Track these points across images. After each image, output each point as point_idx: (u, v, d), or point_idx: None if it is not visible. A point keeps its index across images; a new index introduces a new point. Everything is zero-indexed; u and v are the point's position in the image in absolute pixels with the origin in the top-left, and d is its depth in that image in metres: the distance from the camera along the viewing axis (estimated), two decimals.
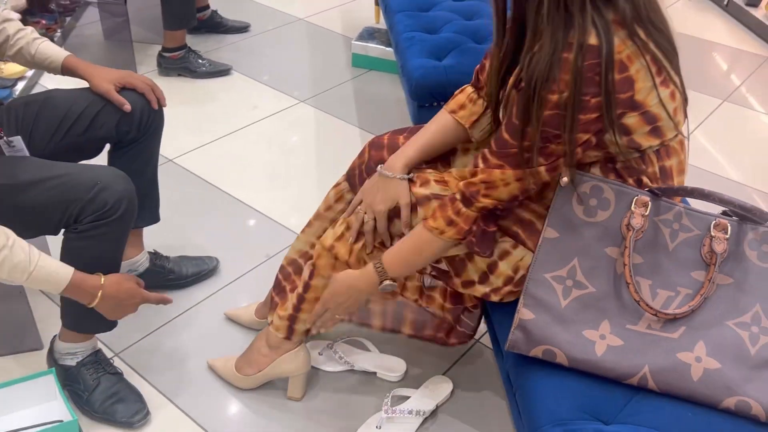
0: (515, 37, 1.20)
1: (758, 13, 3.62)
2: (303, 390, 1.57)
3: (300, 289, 1.45)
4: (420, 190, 1.29)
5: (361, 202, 1.36)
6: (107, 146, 1.64)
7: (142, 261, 1.78)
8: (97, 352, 1.55)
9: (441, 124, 1.38)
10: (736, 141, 2.72)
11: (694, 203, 1.19)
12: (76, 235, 1.37)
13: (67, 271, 1.30)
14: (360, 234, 1.35)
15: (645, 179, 1.15)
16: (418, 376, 1.64)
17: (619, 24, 1.02)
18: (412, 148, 1.36)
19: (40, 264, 1.25)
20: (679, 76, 1.10)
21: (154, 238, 1.84)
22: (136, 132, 1.59)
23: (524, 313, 1.14)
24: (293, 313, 1.46)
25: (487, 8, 2.42)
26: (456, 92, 1.41)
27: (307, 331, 1.49)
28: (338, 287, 1.35)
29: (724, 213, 1.16)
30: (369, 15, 3.47)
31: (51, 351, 1.56)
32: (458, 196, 1.18)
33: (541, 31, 1.03)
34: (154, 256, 1.83)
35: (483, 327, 1.64)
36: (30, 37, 1.54)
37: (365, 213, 1.34)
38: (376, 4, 3.21)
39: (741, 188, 2.40)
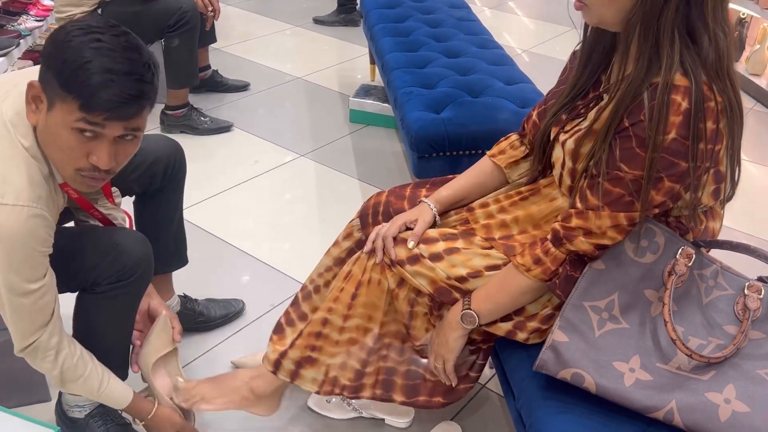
0: (587, 76, 1.23)
1: (739, 67, 3.77)
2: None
3: (301, 325, 1.46)
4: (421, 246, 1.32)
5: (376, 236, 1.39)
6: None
7: (173, 305, 1.80)
8: None
9: (479, 168, 1.45)
10: None
11: (729, 262, 1.21)
12: (92, 297, 1.38)
13: (128, 394, 1.43)
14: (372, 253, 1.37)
15: (689, 237, 1.18)
16: (426, 421, 1.65)
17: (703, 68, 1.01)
18: (446, 189, 1.42)
19: (111, 385, 1.38)
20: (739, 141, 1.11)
21: None
22: (160, 182, 1.62)
23: (558, 334, 1.16)
24: (286, 349, 1.44)
25: (480, 64, 2.52)
26: (501, 139, 1.47)
27: (293, 373, 1.44)
28: (434, 333, 1.36)
29: (759, 278, 1.19)
30: (364, 73, 3.59)
31: (59, 402, 1.55)
32: (549, 236, 1.19)
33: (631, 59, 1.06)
34: (185, 299, 1.86)
35: (487, 372, 1.65)
36: None
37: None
38: (372, 63, 3.33)
39: (731, 232, 2.46)
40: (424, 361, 1.41)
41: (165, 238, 1.72)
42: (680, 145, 1.03)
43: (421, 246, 1.32)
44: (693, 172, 1.05)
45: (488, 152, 1.47)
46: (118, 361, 1.50)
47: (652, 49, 1.04)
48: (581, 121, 1.20)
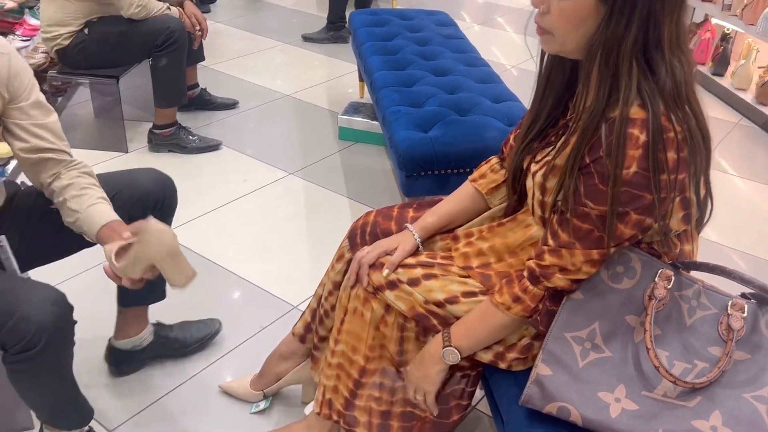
0: (551, 104, 1.23)
1: (725, 81, 3.80)
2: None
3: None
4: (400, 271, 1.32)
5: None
6: None
7: (146, 336, 1.77)
8: None
9: (461, 193, 1.45)
10: None
11: (711, 281, 1.20)
12: (7, 366, 1.29)
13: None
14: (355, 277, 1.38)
15: (664, 260, 1.17)
16: None
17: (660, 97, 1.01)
18: (430, 215, 1.42)
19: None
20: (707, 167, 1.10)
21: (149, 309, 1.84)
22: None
23: (542, 368, 1.15)
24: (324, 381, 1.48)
25: (468, 83, 2.53)
26: (482, 163, 1.47)
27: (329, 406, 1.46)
28: (413, 367, 1.34)
29: (742, 295, 1.18)
30: (353, 90, 3.60)
31: (41, 431, 1.53)
32: (525, 273, 1.18)
33: (592, 88, 1.06)
34: (158, 326, 1.82)
35: (478, 393, 1.64)
36: (84, 203, 1.41)
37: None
38: (361, 80, 3.33)
39: (719, 248, 2.47)
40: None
41: None
42: (642, 178, 1.02)
43: (399, 271, 1.32)
44: (659, 204, 1.04)
45: (470, 177, 1.46)
46: (65, 413, 1.46)
47: (613, 77, 1.04)
48: (551, 151, 1.19)
